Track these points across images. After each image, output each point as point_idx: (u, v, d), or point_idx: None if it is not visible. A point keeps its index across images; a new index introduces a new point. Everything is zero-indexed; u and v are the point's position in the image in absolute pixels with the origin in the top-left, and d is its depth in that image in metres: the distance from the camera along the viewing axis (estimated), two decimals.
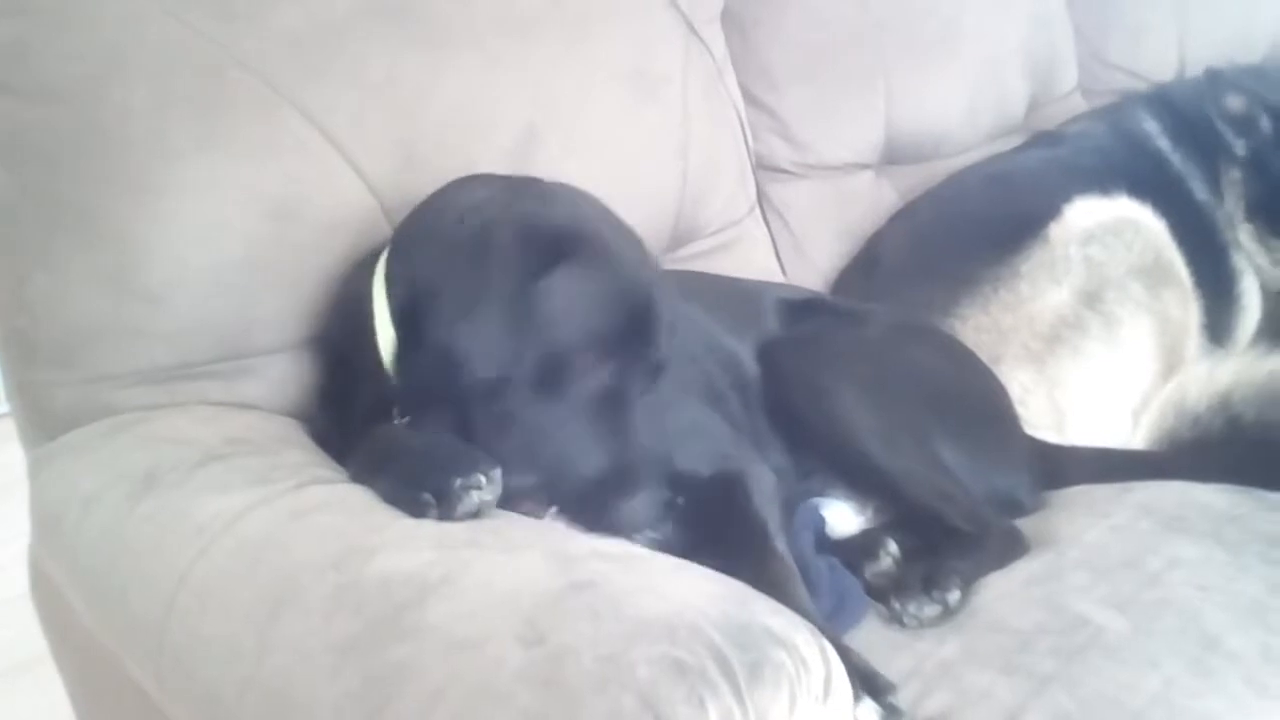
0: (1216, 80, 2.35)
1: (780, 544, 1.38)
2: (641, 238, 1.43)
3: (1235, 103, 2.32)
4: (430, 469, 1.20)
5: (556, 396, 1.29)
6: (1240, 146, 2.31)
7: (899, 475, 1.55)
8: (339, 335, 1.46)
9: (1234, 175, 2.31)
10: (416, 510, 1.16)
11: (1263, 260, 2.29)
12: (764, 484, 1.48)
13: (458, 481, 1.17)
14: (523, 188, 1.40)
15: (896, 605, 1.37)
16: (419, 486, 1.18)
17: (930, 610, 1.37)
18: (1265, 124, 2.30)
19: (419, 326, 1.30)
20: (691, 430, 1.52)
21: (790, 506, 1.55)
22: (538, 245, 1.28)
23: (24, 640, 1.65)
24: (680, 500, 1.34)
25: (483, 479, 1.18)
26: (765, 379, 1.66)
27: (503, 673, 0.92)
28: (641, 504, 1.28)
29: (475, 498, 1.17)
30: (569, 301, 1.28)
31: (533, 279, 1.27)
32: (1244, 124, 2.31)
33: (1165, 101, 2.41)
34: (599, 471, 1.29)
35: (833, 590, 1.41)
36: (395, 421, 1.34)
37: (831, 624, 1.29)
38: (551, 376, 1.28)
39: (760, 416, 1.63)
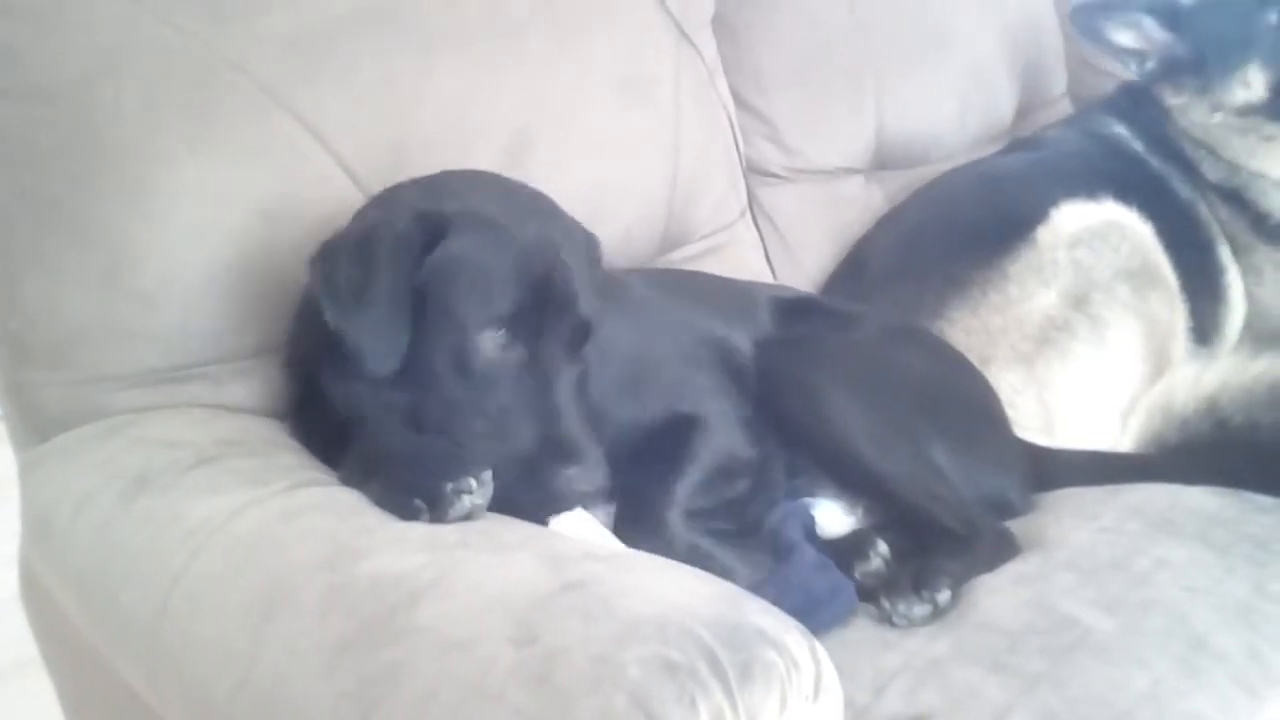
0: (1088, 19, 2.33)
1: (676, 512, 1.41)
2: (572, 223, 1.44)
3: (1117, 31, 2.31)
4: (421, 473, 1.20)
5: (471, 376, 1.30)
6: (1151, 65, 2.31)
7: (889, 476, 1.56)
8: (299, 338, 1.47)
9: (1176, 101, 2.29)
10: (408, 516, 1.17)
11: (1265, 159, 2.25)
12: (708, 440, 1.50)
13: (449, 486, 1.17)
14: (432, 182, 1.41)
15: (886, 604, 1.38)
16: (410, 492, 1.18)
17: (920, 610, 1.37)
18: (1150, 25, 2.29)
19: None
20: (656, 388, 1.55)
21: (777, 501, 1.56)
22: (418, 231, 1.30)
23: (14, 644, 1.65)
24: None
25: (473, 482, 1.18)
26: (757, 379, 1.66)
27: (495, 673, 0.93)
28: (580, 475, 1.29)
29: (466, 502, 1.17)
30: (456, 280, 1.30)
31: (414, 265, 1.29)
32: (1139, 43, 2.31)
33: (1120, 107, 2.41)
34: (528, 447, 1.29)
35: (816, 586, 1.40)
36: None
37: (817, 619, 1.29)
38: (460, 357, 1.30)
39: (754, 410, 1.63)
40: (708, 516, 1.47)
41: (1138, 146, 2.33)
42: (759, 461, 1.57)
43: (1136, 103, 2.38)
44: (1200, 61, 2.26)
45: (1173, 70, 2.29)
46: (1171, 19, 2.28)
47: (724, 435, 1.53)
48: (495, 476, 1.22)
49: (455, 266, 1.30)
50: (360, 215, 1.40)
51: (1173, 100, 2.30)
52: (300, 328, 1.45)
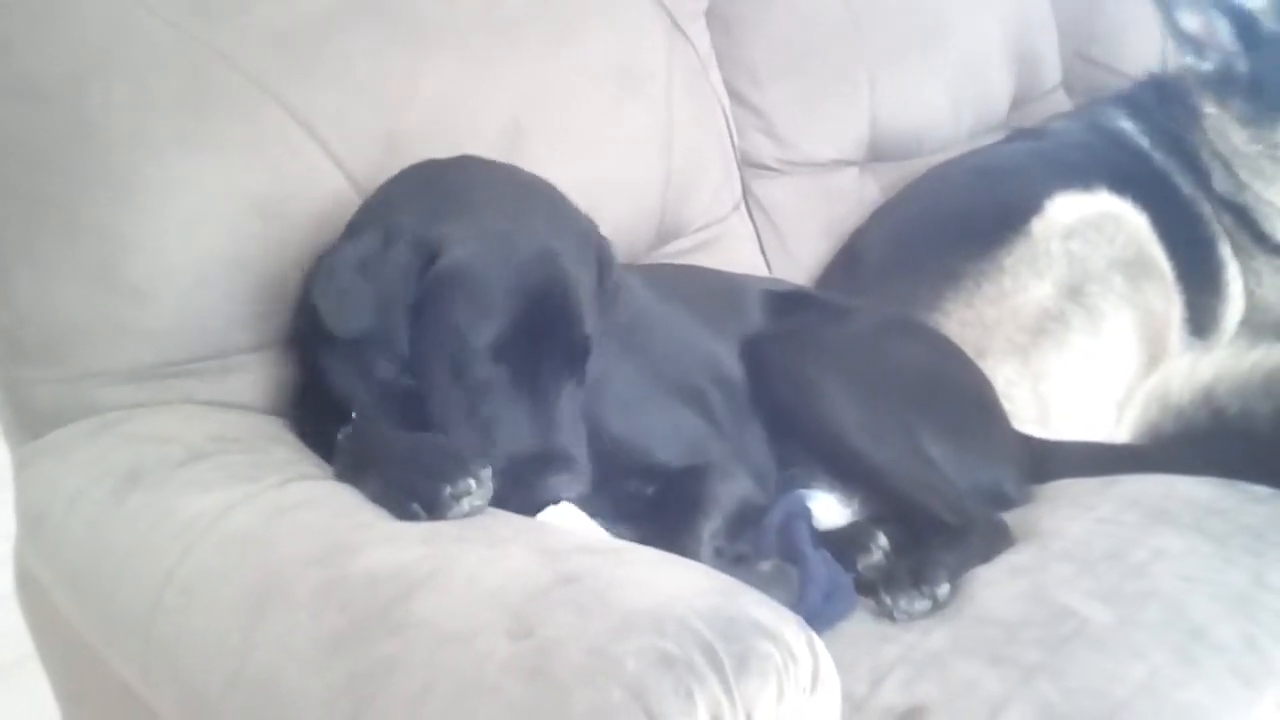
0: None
1: (706, 526, 1.39)
2: (579, 218, 1.43)
3: (1189, 18, 2.23)
4: (418, 475, 1.18)
5: (467, 388, 1.30)
6: (1204, 64, 2.24)
7: (884, 467, 1.56)
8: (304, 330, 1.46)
9: (1211, 110, 2.24)
10: (405, 518, 1.16)
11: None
12: (726, 482, 1.48)
13: (446, 490, 1.16)
14: (430, 184, 1.40)
15: (888, 600, 1.37)
16: (407, 493, 1.17)
17: (920, 604, 1.37)
18: (1225, 29, 2.21)
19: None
20: (660, 424, 1.53)
21: (772, 500, 1.55)
22: (414, 258, 1.29)
23: (10, 641, 1.64)
24: (650, 490, 1.36)
25: (472, 483, 1.16)
26: (751, 372, 1.66)
27: (490, 666, 0.92)
28: (566, 483, 1.29)
29: (465, 505, 1.16)
30: (452, 299, 1.29)
31: (411, 288, 1.29)
32: (1204, 38, 2.23)
33: (1132, 102, 2.39)
34: (519, 454, 1.29)
35: (825, 583, 1.40)
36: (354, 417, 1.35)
37: (821, 617, 1.29)
38: (457, 369, 1.30)
39: (743, 411, 1.63)
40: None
41: (1142, 142, 2.32)
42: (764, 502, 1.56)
43: (1160, 97, 2.35)
44: (1258, 89, 2.20)
45: (1224, 83, 2.23)
46: (1249, 35, 2.21)
47: (736, 483, 1.51)
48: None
49: (451, 285, 1.29)
50: (356, 228, 1.39)
51: (1209, 109, 2.25)
52: (301, 322, 1.45)
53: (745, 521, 1.48)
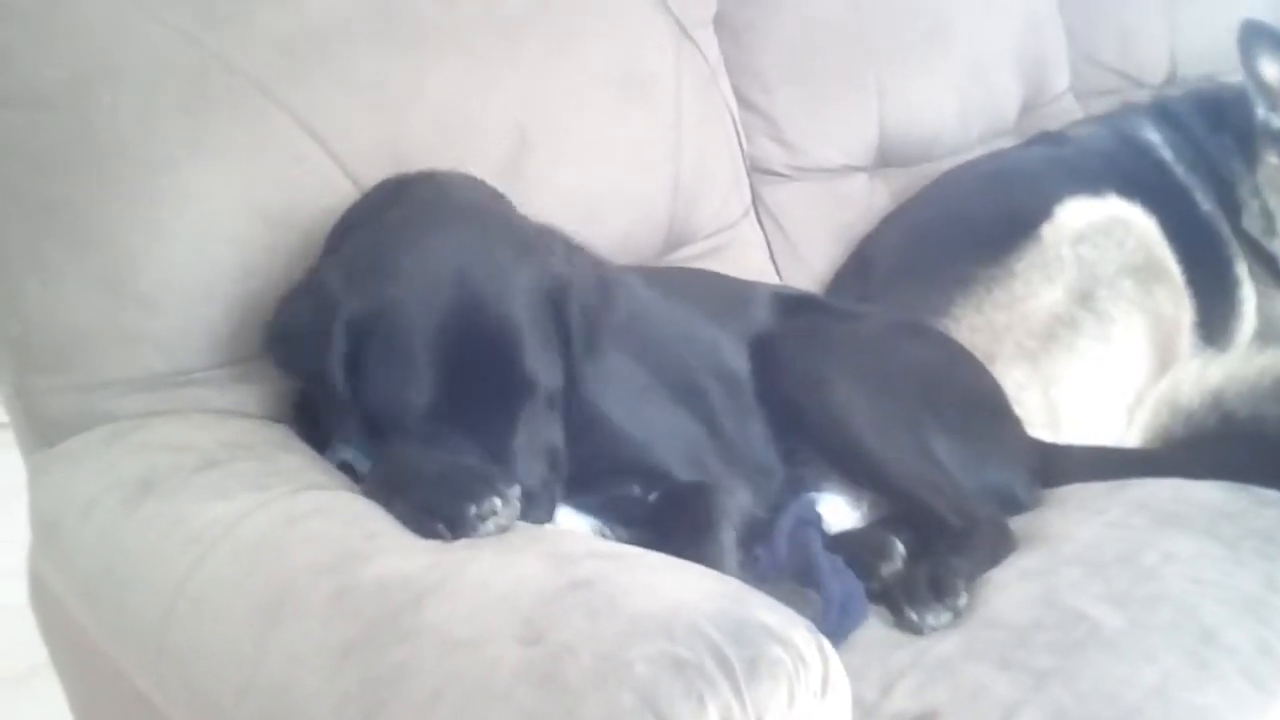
0: (1251, 39, 2.18)
1: (726, 536, 1.37)
2: (526, 250, 1.37)
3: (1272, 68, 2.18)
4: (444, 495, 1.17)
5: (417, 437, 1.29)
6: (1276, 119, 2.19)
7: (891, 466, 1.56)
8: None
9: (1275, 161, 2.20)
10: (431, 538, 1.14)
11: None
12: (732, 496, 1.46)
13: (472, 510, 1.14)
14: (374, 243, 1.34)
15: (914, 616, 1.36)
16: (433, 513, 1.15)
17: (945, 618, 1.37)
18: None
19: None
20: (659, 426, 1.52)
21: (781, 503, 1.55)
22: (343, 336, 1.27)
23: (26, 650, 1.65)
24: (651, 498, 1.36)
25: (499, 502, 1.15)
26: (760, 370, 1.66)
27: (501, 672, 0.92)
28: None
29: (491, 524, 1.14)
30: (380, 376, 1.28)
31: (344, 357, 1.28)
32: (1274, 95, 2.19)
33: (1166, 114, 2.38)
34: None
35: (840, 597, 1.40)
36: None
37: (837, 634, 1.28)
38: (402, 425, 1.29)
39: (748, 409, 1.63)
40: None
41: (1166, 154, 2.31)
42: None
43: (1203, 116, 2.32)
44: None
45: None
46: None
47: (740, 497, 1.49)
48: None
49: (375, 346, 1.28)
50: (300, 293, 1.36)
51: (1272, 159, 2.22)
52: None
53: (751, 536, 1.47)
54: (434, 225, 1.35)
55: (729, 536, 1.38)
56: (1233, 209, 2.25)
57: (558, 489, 1.33)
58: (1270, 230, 2.23)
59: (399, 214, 1.37)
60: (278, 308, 1.37)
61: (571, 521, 1.31)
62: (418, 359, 1.27)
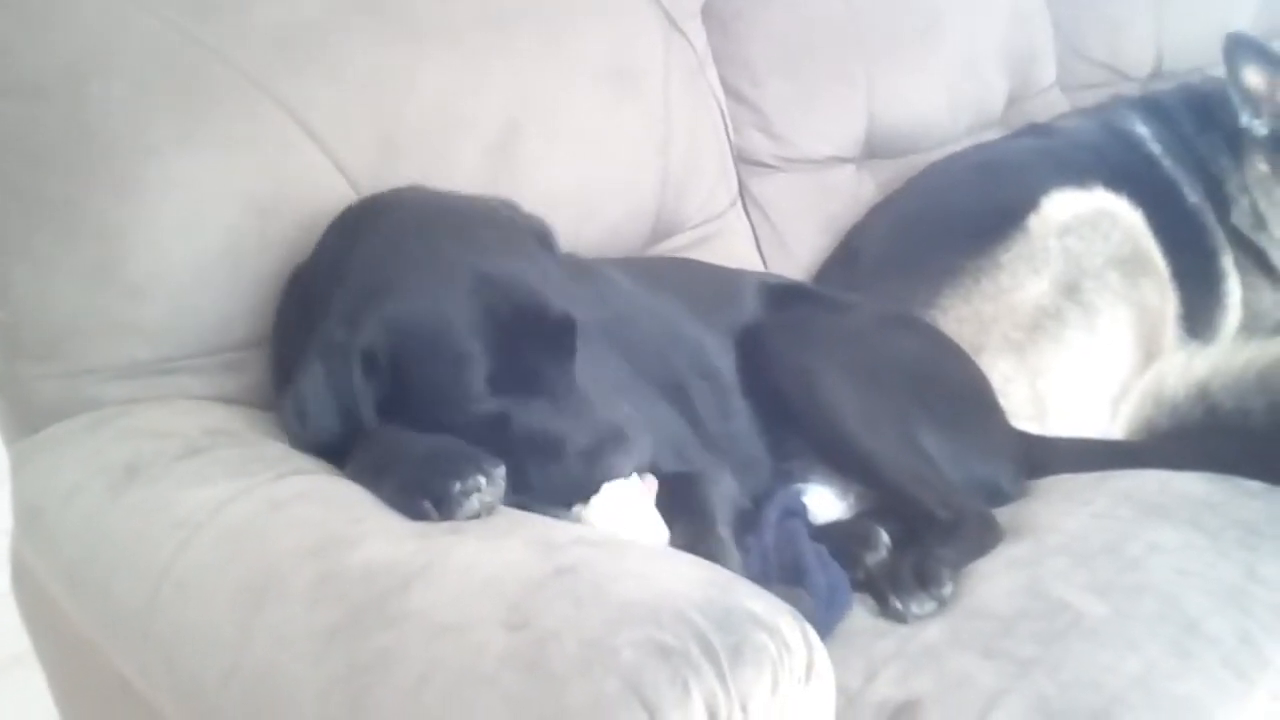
0: (1235, 50, 2.22)
1: (724, 530, 1.37)
2: (495, 215, 1.41)
3: (1255, 76, 2.21)
4: (429, 473, 1.17)
5: (483, 428, 1.28)
6: (1260, 125, 2.23)
7: (878, 457, 1.56)
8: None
9: (1262, 168, 2.23)
10: (417, 516, 1.14)
11: None
12: (719, 486, 1.47)
13: (456, 486, 1.14)
14: (359, 268, 1.34)
15: (898, 605, 1.37)
16: (419, 492, 1.16)
17: (929, 606, 1.37)
18: None
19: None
20: (649, 424, 1.51)
21: (768, 493, 1.56)
22: (363, 377, 1.28)
23: (6, 638, 1.64)
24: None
25: (483, 480, 1.15)
26: (747, 361, 1.66)
27: (487, 657, 0.93)
28: (627, 457, 1.28)
29: (475, 501, 1.14)
30: (422, 382, 1.29)
31: (378, 390, 1.29)
32: (1265, 100, 2.21)
33: (1155, 109, 2.40)
34: (569, 451, 1.28)
35: (826, 591, 1.40)
36: None
37: (823, 619, 1.29)
38: (466, 419, 1.29)
39: (733, 403, 1.63)
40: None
41: (1154, 148, 2.32)
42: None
43: (1192, 113, 2.35)
44: None
45: (1276, 146, 2.23)
46: None
47: (727, 487, 1.49)
48: (545, 481, 1.23)
49: (412, 364, 1.28)
50: (308, 364, 1.32)
51: (1260, 165, 2.24)
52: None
53: (740, 525, 1.47)
54: (410, 235, 1.35)
55: (724, 527, 1.38)
56: (1221, 204, 2.27)
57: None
58: (1259, 226, 2.26)
59: (369, 246, 1.35)
60: (286, 404, 1.33)
61: (630, 497, 1.30)
62: (457, 345, 1.28)
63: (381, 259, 1.32)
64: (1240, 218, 2.27)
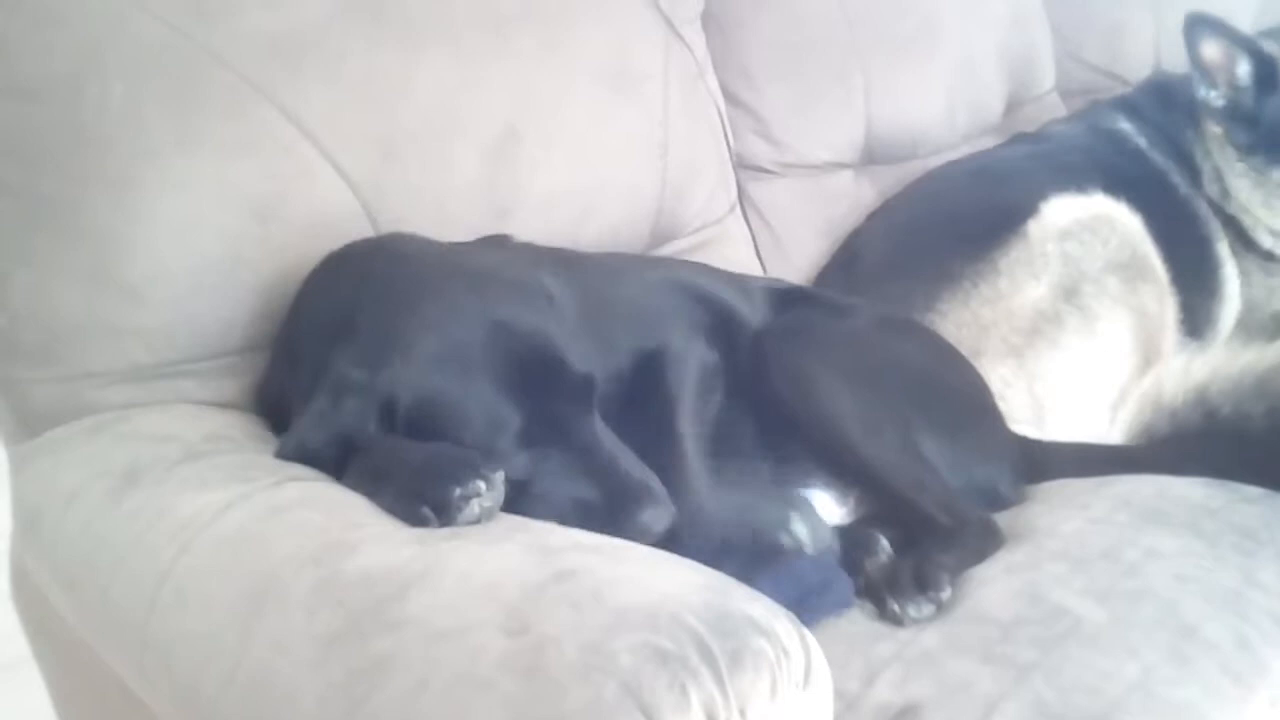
0: (1194, 27, 2.26)
1: (683, 424, 1.38)
2: (496, 262, 1.42)
3: (1211, 50, 2.25)
4: (428, 479, 1.17)
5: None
6: (1216, 96, 2.27)
7: (878, 462, 1.55)
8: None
9: (1215, 130, 2.28)
10: (416, 523, 1.14)
11: (1262, 213, 2.26)
12: (685, 362, 1.48)
13: (456, 491, 1.14)
14: (373, 334, 1.32)
15: (895, 607, 1.36)
16: (418, 499, 1.15)
17: (927, 610, 1.37)
18: (1244, 68, 2.23)
19: None
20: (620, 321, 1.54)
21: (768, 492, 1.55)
22: (374, 402, 1.27)
23: (5, 642, 1.64)
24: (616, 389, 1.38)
25: (482, 485, 1.15)
26: (750, 364, 1.66)
27: (485, 662, 0.93)
28: (654, 516, 1.26)
29: (475, 506, 1.14)
30: (447, 427, 1.27)
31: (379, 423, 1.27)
32: (1220, 71, 2.25)
33: (1129, 105, 2.43)
34: (593, 505, 1.27)
35: (809, 578, 1.39)
36: None
37: (810, 611, 1.28)
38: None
39: (735, 406, 1.63)
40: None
41: (1140, 142, 2.35)
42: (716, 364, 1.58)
43: (1160, 99, 2.39)
44: (1256, 127, 2.24)
45: (1230, 115, 2.26)
46: (1268, 79, 2.23)
47: (692, 354, 1.52)
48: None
49: (435, 420, 1.27)
50: (320, 406, 1.29)
51: (1214, 129, 2.29)
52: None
53: (709, 389, 1.50)
54: (425, 285, 1.35)
55: (682, 416, 1.41)
56: (1198, 177, 2.30)
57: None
58: (1225, 193, 2.29)
59: (376, 290, 1.35)
60: (287, 445, 1.32)
61: None
62: (486, 403, 1.27)
63: (396, 307, 1.32)
64: (1210, 186, 2.29)
